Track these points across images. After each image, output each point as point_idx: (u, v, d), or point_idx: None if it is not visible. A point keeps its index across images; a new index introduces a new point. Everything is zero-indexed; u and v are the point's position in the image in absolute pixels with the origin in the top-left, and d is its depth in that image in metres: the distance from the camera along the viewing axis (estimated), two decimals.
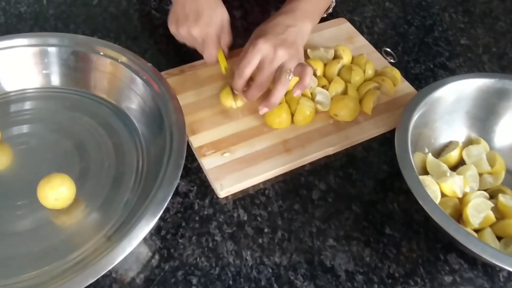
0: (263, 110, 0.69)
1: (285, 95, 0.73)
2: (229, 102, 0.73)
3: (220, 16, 0.73)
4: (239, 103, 0.73)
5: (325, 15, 0.86)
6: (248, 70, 0.67)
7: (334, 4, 0.85)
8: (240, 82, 0.68)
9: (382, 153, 0.71)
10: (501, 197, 0.62)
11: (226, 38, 0.75)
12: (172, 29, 0.75)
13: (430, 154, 0.66)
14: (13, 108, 0.73)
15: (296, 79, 0.74)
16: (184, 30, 0.72)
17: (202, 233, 0.62)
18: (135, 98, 0.71)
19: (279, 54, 0.66)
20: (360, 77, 0.77)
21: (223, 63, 0.74)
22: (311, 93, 0.74)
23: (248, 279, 0.58)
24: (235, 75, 0.68)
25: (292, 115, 0.72)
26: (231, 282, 0.58)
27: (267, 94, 0.68)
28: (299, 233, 0.62)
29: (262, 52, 0.66)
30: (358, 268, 0.59)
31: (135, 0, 0.94)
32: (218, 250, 0.60)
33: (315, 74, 0.77)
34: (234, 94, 0.72)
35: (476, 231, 0.60)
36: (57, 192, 0.59)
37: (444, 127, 0.70)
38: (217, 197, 0.65)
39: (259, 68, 0.67)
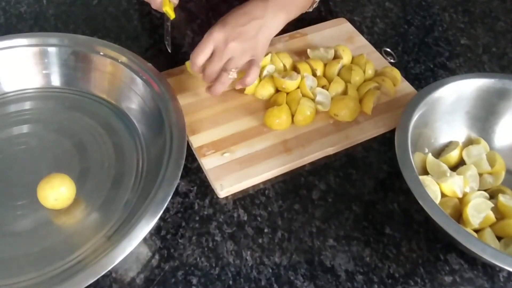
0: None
1: (286, 95, 0.74)
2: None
3: None
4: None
5: (311, 10, 0.80)
6: (199, 59, 0.65)
7: (318, 1, 0.79)
8: (195, 69, 0.67)
9: (382, 153, 0.71)
10: (501, 197, 0.62)
11: None
12: None
13: (430, 154, 0.66)
14: (13, 108, 0.73)
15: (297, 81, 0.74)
16: None
17: (202, 233, 0.62)
18: (135, 98, 0.71)
19: (230, 46, 0.64)
20: (360, 77, 0.77)
21: (166, 7, 0.68)
22: (312, 93, 0.74)
23: (248, 279, 0.58)
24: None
25: (292, 115, 0.72)
26: (231, 282, 0.57)
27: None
28: (299, 233, 0.62)
29: (215, 42, 0.64)
30: (358, 268, 0.59)
31: (135, 0, 0.94)
32: (218, 250, 0.60)
33: (315, 74, 0.77)
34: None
35: (476, 231, 0.60)
36: (57, 192, 0.59)
37: (444, 127, 0.70)
38: (217, 197, 0.65)
39: (209, 58, 0.66)
